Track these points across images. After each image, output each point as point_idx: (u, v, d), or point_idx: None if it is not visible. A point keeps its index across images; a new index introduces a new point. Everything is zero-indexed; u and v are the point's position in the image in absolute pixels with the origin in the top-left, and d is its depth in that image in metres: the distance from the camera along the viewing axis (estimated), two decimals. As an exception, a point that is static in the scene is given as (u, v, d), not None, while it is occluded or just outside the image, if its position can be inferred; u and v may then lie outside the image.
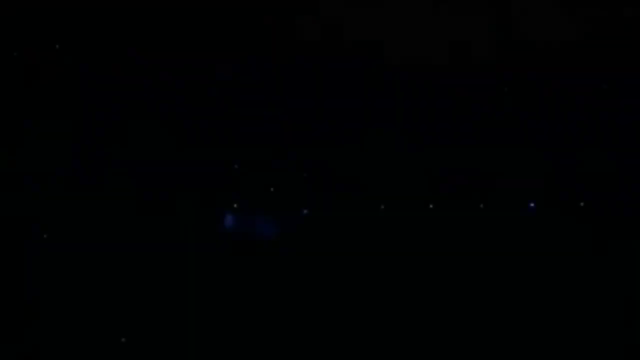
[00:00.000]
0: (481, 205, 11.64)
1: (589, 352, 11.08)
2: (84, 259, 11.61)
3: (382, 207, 11.83)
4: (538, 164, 11.64)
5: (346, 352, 11.41)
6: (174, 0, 11.98)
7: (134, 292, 11.56)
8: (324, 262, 11.80)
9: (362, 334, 11.46)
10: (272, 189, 12.00)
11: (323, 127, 11.99)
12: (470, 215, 11.63)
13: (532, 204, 11.56)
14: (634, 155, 11.50)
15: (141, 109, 11.92)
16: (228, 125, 11.96)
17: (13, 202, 11.61)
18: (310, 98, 11.98)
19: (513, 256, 11.68)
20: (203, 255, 11.90)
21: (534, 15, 11.65)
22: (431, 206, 11.71)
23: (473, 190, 11.68)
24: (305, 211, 11.94)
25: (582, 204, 11.47)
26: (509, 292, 11.54)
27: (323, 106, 12.05)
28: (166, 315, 11.50)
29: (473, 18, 11.75)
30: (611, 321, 11.25)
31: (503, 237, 11.61)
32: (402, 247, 11.78)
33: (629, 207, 11.40)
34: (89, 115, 11.91)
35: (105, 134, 11.93)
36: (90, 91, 11.87)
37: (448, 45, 11.78)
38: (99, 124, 11.90)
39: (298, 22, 11.97)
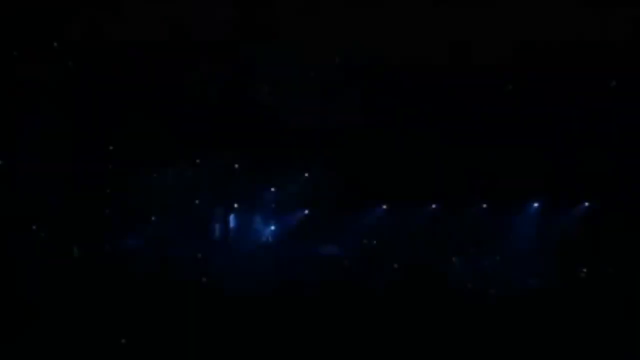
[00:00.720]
0: (484, 205, 11.70)
1: (589, 351, 11.10)
2: (83, 259, 11.58)
3: (384, 206, 11.88)
4: (539, 163, 11.70)
5: (348, 353, 11.39)
6: (175, 1, 11.98)
7: (134, 293, 11.51)
8: (323, 262, 11.80)
9: (363, 336, 11.45)
10: (272, 189, 12.02)
11: (323, 127, 12.01)
12: (472, 214, 11.70)
13: (535, 204, 11.63)
14: (634, 155, 11.56)
15: (141, 108, 11.91)
16: (228, 126, 11.97)
17: (13, 202, 11.58)
18: (311, 98, 12.00)
19: (513, 255, 11.70)
20: (203, 255, 11.88)
21: (534, 15, 11.69)
22: (433, 206, 11.76)
23: (475, 189, 11.73)
24: (305, 211, 11.97)
25: (586, 203, 11.54)
26: (509, 291, 11.56)
27: (322, 106, 12.07)
28: (166, 316, 11.46)
29: (473, 18, 11.77)
30: (611, 321, 11.27)
31: (504, 237, 11.65)
32: (402, 247, 11.80)
33: (629, 206, 11.46)
34: (89, 114, 11.90)
35: (104, 133, 11.92)
36: (90, 91, 11.86)
37: (448, 45, 11.82)
38: (99, 123, 11.89)
39: (298, 22, 11.97)
